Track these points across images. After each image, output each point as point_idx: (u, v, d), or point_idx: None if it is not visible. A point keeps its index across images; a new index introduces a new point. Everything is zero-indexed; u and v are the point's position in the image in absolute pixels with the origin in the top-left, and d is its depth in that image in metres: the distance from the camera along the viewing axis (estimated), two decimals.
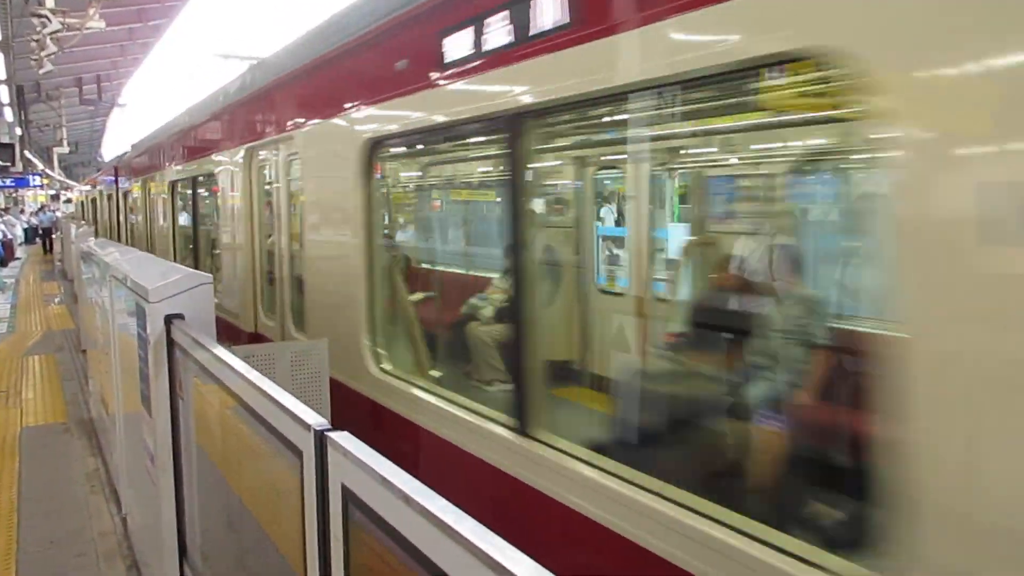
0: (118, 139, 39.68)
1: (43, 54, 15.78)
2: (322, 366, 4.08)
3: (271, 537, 2.53)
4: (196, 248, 10.09)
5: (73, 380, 9.50)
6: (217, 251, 8.55)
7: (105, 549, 4.94)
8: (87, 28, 15.78)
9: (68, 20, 15.34)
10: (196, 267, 8.41)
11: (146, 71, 34.54)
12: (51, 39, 15.40)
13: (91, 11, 15.22)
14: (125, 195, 16.82)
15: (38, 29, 15.16)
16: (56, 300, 17.39)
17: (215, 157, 8.02)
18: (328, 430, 1.73)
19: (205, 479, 3.30)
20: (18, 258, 29.71)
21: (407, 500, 1.39)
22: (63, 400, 8.63)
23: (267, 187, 6.74)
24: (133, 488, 4.86)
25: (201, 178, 9.22)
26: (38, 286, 20.77)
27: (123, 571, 4.64)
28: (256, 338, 6.55)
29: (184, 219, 11.06)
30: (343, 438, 1.67)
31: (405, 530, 1.41)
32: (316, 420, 1.79)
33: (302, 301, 5.54)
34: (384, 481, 1.47)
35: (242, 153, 6.93)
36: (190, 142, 9.60)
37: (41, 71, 17.28)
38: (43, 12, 14.84)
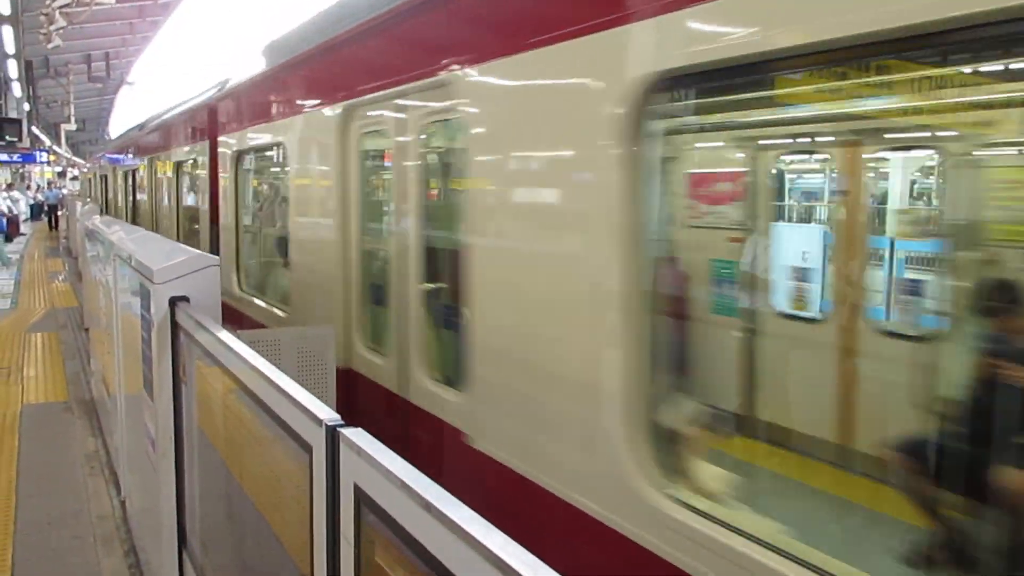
0: (126, 118, 39.49)
1: (52, 28, 15.70)
2: (328, 354, 3.97)
3: (275, 530, 2.44)
4: None
5: (75, 359, 9.42)
6: None
7: (103, 532, 4.86)
8: (96, 4, 15.66)
9: None
10: None
11: (156, 49, 34.30)
12: (60, 13, 15.30)
13: None
14: (239, 162, 6.92)
15: (47, 2, 15.06)
16: (60, 277, 17.33)
17: None
18: (340, 426, 1.62)
19: (207, 466, 3.21)
20: (23, 234, 29.66)
21: (427, 507, 1.28)
22: (65, 379, 8.56)
23: None
24: (133, 472, 4.78)
25: None
26: (43, 263, 20.70)
27: (120, 556, 4.56)
28: None
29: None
30: (357, 435, 1.57)
31: (424, 538, 1.31)
32: (328, 415, 1.69)
33: None
34: (402, 485, 1.36)
35: None
36: None
37: (49, 45, 17.20)
38: None
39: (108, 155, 19.14)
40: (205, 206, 7.86)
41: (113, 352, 5.20)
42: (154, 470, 3.71)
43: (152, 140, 11.86)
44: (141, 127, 13.91)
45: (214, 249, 7.34)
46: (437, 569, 1.25)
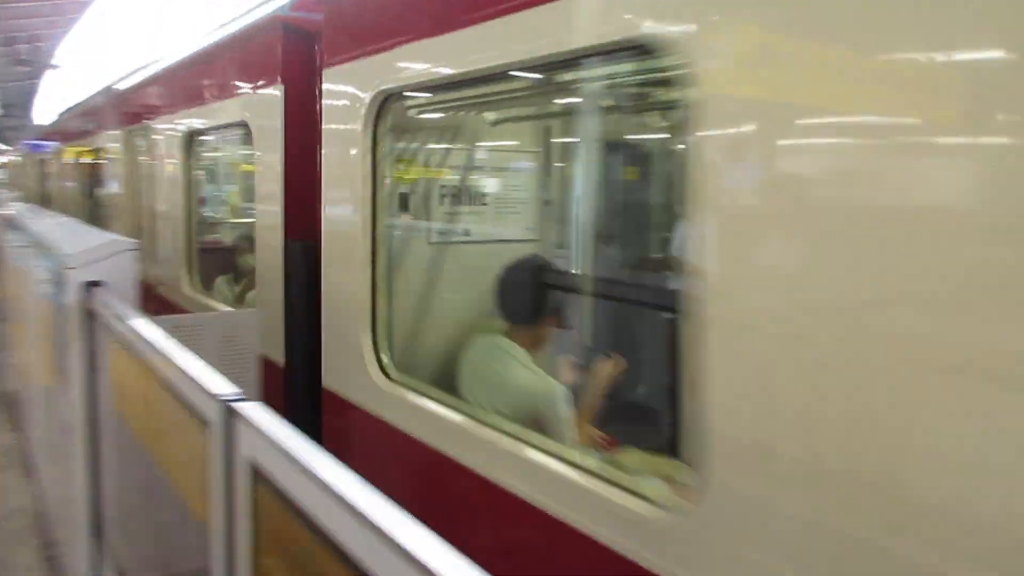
0: (52, 103, 37.98)
1: None
2: (251, 338, 3.93)
3: (193, 513, 2.41)
4: None
5: None
6: None
7: (17, 527, 4.71)
8: None
9: None
10: None
11: (84, 31, 33.00)
12: None
13: None
14: (380, 115, 3.00)
15: None
16: None
17: None
18: (236, 400, 1.61)
19: (124, 453, 3.14)
20: None
21: (313, 478, 1.29)
22: None
23: None
24: (50, 463, 4.64)
25: None
26: None
27: (35, 549, 4.43)
28: None
29: None
30: (251, 409, 1.56)
31: (317, 514, 1.31)
32: (223, 390, 1.67)
33: None
34: (296, 460, 1.36)
35: None
36: None
37: None
38: None
39: (36, 141, 14.61)
40: (271, 206, 4.04)
41: (30, 342, 5.04)
42: (67, 460, 3.61)
43: (137, 102, 6.88)
44: (107, 90, 8.70)
45: (308, 310, 3.71)
46: (322, 536, 1.26)
